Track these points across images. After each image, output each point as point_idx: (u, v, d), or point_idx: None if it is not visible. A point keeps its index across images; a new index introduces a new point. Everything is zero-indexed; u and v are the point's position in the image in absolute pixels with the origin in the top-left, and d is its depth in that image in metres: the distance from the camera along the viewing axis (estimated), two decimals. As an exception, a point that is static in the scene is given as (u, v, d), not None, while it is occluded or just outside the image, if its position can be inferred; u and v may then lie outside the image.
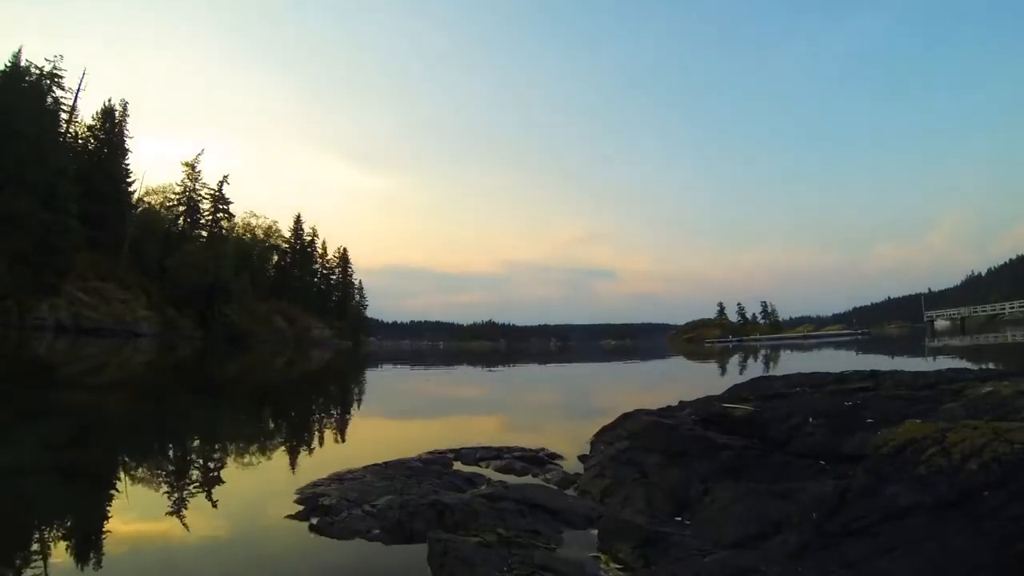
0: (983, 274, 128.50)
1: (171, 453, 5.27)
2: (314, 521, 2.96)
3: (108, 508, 3.32)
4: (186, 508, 3.38)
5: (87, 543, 2.74)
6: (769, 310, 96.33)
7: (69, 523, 3.10)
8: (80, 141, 39.58)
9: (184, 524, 3.10)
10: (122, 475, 4.17)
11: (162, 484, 3.91)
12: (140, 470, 4.41)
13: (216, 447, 5.67)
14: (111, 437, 5.60)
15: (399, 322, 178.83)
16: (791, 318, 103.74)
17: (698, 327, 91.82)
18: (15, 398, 7.28)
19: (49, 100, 35.22)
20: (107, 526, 3.00)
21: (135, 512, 3.25)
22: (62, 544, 2.74)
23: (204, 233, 48.35)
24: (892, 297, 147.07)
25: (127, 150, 41.55)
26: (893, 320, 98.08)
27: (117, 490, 3.71)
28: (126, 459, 4.78)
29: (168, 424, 6.50)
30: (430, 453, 4.71)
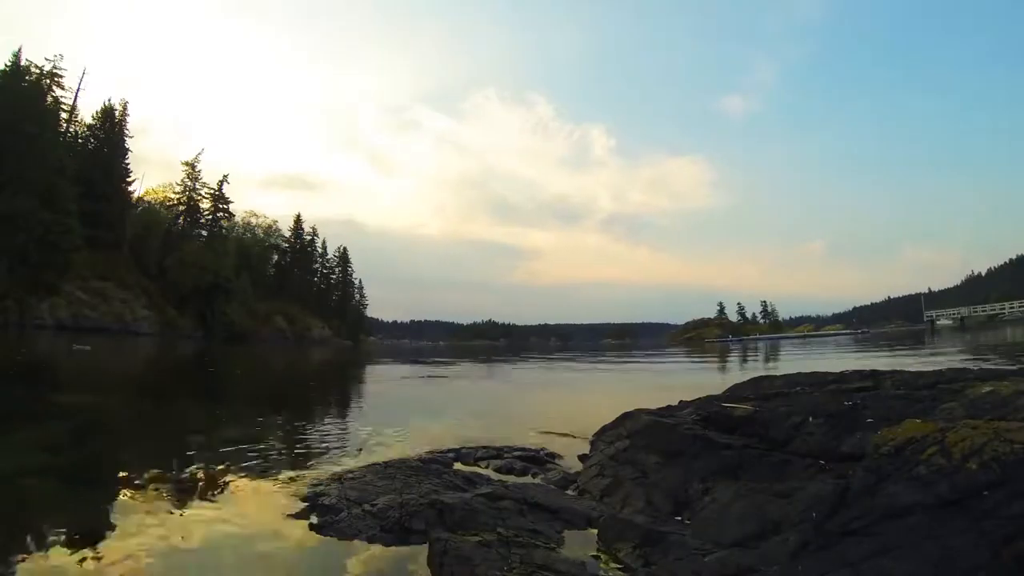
0: (983, 274, 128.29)
1: (170, 453, 5.26)
2: (314, 520, 2.97)
3: (107, 509, 3.30)
4: (186, 508, 3.38)
5: (87, 544, 2.73)
6: (769, 309, 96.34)
7: (68, 525, 3.08)
8: (80, 141, 39.56)
9: (184, 524, 3.10)
10: (121, 476, 4.14)
11: (161, 484, 3.89)
12: (139, 471, 4.39)
13: (215, 447, 5.66)
14: (110, 438, 5.60)
15: (399, 321, 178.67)
16: (791, 317, 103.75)
17: (698, 326, 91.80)
18: (15, 398, 7.26)
19: (49, 100, 35.22)
20: (106, 525, 3.00)
21: (135, 511, 3.25)
22: (62, 546, 2.73)
23: (204, 232, 48.33)
24: (892, 297, 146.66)
25: (127, 149, 41.50)
26: (893, 320, 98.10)
27: (116, 491, 3.69)
28: (125, 460, 4.76)
29: (167, 425, 6.49)
30: (430, 453, 4.71)
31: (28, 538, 2.79)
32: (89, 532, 2.89)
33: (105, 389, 9.45)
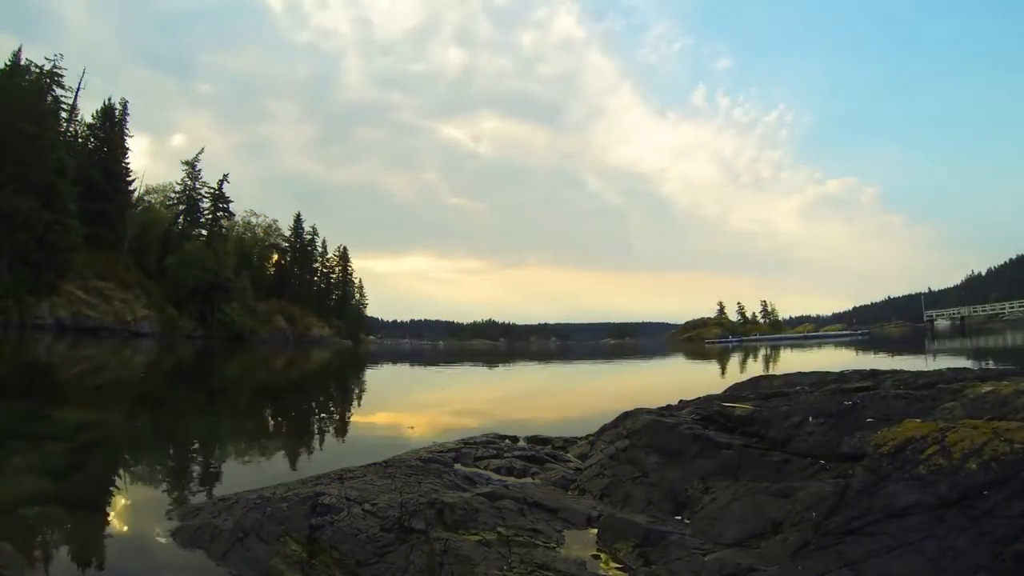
0: (983, 274, 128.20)
1: (171, 453, 5.27)
2: (314, 520, 2.96)
3: (114, 538, 3.17)
4: (189, 520, 3.38)
5: (91, 561, 2.67)
6: (769, 309, 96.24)
7: (76, 558, 2.91)
8: (80, 140, 39.56)
9: (188, 540, 3.10)
10: (127, 501, 3.94)
11: (168, 506, 3.78)
12: (146, 494, 4.11)
13: (216, 449, 5.68)
14: (115, 459, 5.24)
15: (399, 320, 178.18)
16: (791, 317, 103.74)
17: (698, 326, 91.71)
18: (14, 412, 6.73)
19: (49, 99, 35.20)
20: (114, 556, 2.90)
21: (141, 535, 3.22)
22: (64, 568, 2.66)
23: (204, 232, 48.30)
24: (892, 297, 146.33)
25: (127, 149, 41.48)
26: (893, 320, 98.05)
27: (123, 518, 3.56)
28: (131, 483, 4.48)
29: (168, 428, 6.43)
30: (430, 452, 4.71)
31: (34, 574, 2.66)
32: (98, 565, 2.79)
33: (107, 400, 8.99)
